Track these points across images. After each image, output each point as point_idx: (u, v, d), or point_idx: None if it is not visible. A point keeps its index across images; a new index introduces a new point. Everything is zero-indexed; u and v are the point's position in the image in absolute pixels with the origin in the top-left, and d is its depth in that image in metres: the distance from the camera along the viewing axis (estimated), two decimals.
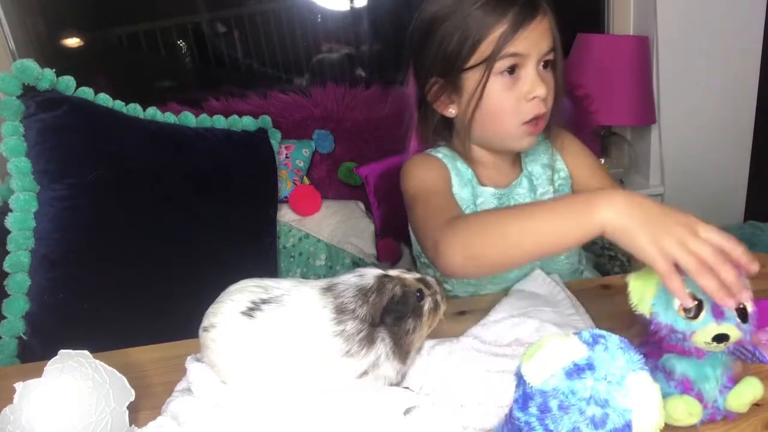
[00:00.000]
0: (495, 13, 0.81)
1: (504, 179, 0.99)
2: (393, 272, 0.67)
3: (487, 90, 0.85)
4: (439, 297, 0.68)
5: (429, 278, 0.69)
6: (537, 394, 0.45)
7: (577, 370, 0.45)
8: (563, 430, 0.44)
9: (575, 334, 0.48)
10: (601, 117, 1.85)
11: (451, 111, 0.92)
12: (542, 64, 0.85)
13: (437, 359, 0.68)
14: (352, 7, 1.95)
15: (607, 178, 1.02)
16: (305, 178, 1.67)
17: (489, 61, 0.83)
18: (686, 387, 0.57)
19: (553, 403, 0.45)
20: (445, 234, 0.73)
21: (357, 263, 1.54)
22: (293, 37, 1.95)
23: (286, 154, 1.64)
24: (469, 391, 0.63)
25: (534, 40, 0.83)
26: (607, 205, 0.60)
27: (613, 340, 0.47)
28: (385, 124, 1.67)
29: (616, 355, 0.45)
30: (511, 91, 0.85)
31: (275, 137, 1.61)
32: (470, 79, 0.86)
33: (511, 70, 0.84)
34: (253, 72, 1.97)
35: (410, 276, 0.67)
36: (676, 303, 0.55)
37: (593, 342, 0.47)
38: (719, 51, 1.81)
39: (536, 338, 0.70)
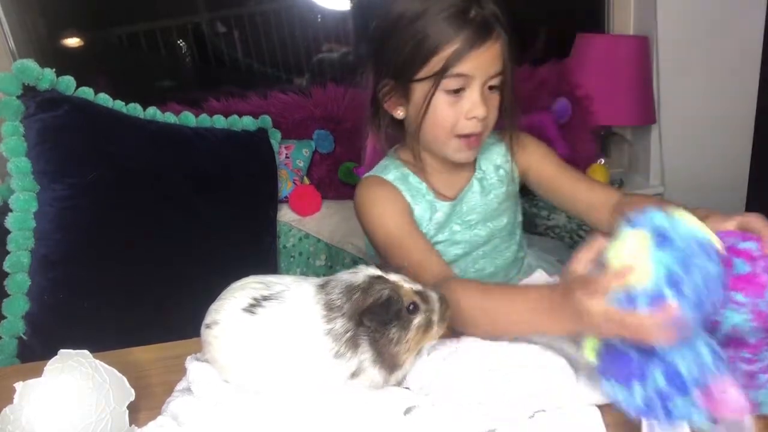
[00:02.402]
0: (450, 29, 0.83)
1: (457, 182, 1.01)
2: (392, 276, 0.64)
3: (433, 103, 0.87)
4: (435, 317, 0.64)
5: (432, 294, 0.65)
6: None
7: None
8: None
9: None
10: (601, 117, 1.85)
11: (400, 113, 0.94)
12: (488, 86, 0.88)
13: (437, 359, 0.68)
14: (352, 7, 1.95)
15: (572, 170, 1.02)
16: (305, 178, 1.67)
17: (437, 77, 0.85)
18: None
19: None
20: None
21: (357, 263, 1.54)
22: (293, 37, 1.95)
23: (286, 154, 1.64)
24: (469, 391, 0.63)
25: (482, 62, 0.85)
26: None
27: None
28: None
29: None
30: (453, 108, 0.88)
31: (275, 137, 1.61)
32: (419, 90, 0.88)
33: (457, 90, 0.87)
34: (253, 72, 1.97)
35: (409, 285, 0.64)
36: None
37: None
38: (719, 51, 1.81)
39: (536, 338, 0.71)
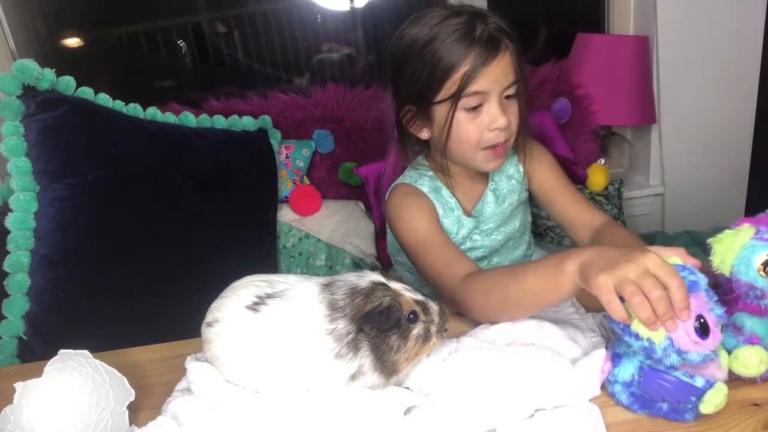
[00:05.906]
0: (460, 50, 0.86)
1: (476, 192, 1.06)
2: (395, 285, 0.65)
3: (455, 122, 0.91)
4: (433, 328, 0.65)
5: (432, 305, 0.66)
6: None
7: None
8: None
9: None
10: (601, 117, 1.86)
11: (425, 134, 0.98)
12: (505, 96, 0.91)
13: (437, 359, 0.68)
14: (352, 7, 1.95)
15: (568, 186, 1.07)
16: (305, 178, 1.67)
17: (455, 98, 0.89)
18: (753, 342, 0.63)
19: None
20: (460, 295, 0.82)
21: (357, 263, 1.54)
22: (293, 37, 1.95)
23: (286, 154, 1.64)
24: (469, 391, 0.63)
25: (495, 77, 0.88)
26: (574, 258, 0.65)
27: None
28: (385, 124, 1.67)
29: None
30: (474, 123, 0.91)
31: (275, 137, 1.61)
32: (439, 111, 0.92)
33: (475, 107, 0.90)
34: (253, 72, 1.97)
35: (410, 295, 0.65)
36: (757, 263, 0.60)
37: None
38: (719, 51, 1.81)
39: (535, 337, 0.71)
